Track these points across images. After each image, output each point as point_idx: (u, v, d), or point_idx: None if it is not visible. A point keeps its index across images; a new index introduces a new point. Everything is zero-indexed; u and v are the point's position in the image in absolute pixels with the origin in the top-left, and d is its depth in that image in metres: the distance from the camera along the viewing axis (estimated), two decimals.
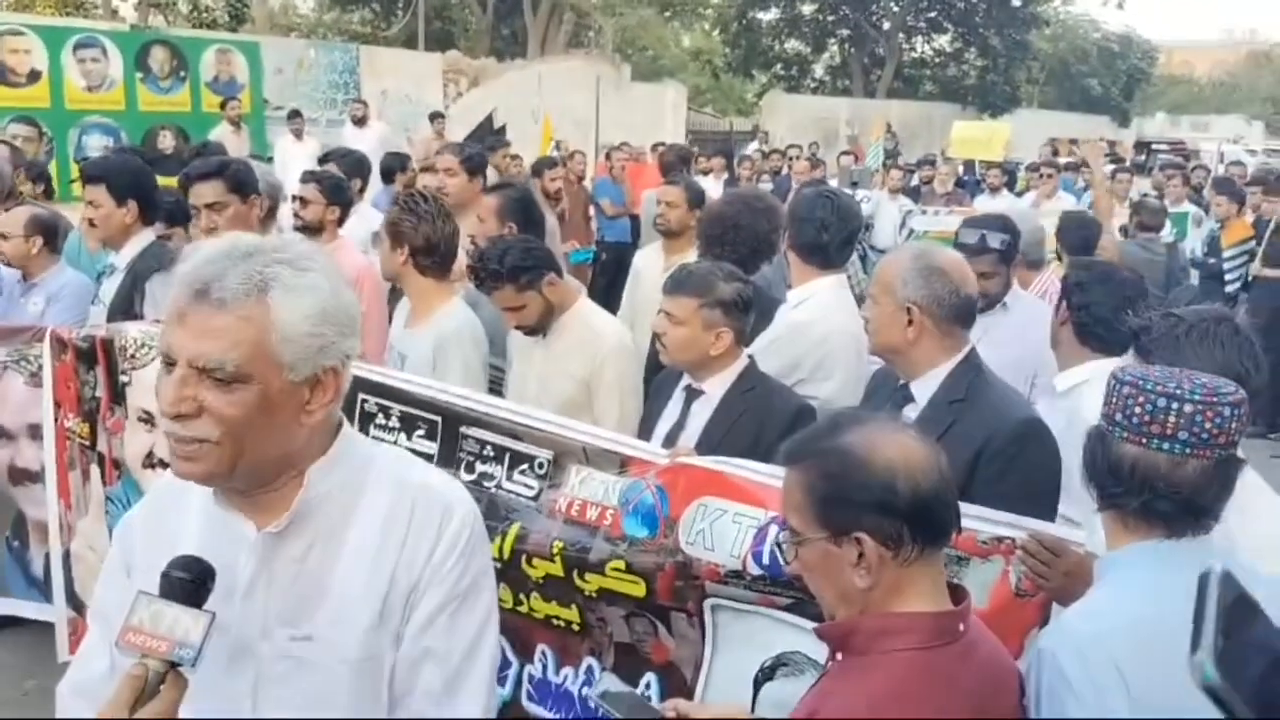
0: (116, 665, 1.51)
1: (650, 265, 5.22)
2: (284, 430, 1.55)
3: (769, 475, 2.43)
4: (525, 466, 2.79)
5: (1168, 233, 8.95)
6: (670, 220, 5.05)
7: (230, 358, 1.47)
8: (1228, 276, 8.70)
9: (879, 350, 2.83)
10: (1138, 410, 1.72)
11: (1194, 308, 2.26)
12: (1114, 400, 1.77)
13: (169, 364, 1.50)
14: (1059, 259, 5.97)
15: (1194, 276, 9.12)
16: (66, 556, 4.04)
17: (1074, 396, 3.03)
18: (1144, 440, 1.71)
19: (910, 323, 2.67)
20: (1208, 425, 1.68)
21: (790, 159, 14.34)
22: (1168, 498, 1.71)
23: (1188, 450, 1.69)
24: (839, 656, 1.72)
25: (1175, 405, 1.69)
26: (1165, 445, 1.70)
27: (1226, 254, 8.74)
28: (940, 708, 1.59)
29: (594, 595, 2.59)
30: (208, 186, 4.09)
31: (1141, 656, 1.64)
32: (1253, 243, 8.68)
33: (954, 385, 2.66)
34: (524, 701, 2.73)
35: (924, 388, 2.69)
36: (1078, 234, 5.77)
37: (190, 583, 1.48)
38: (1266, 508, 2.12)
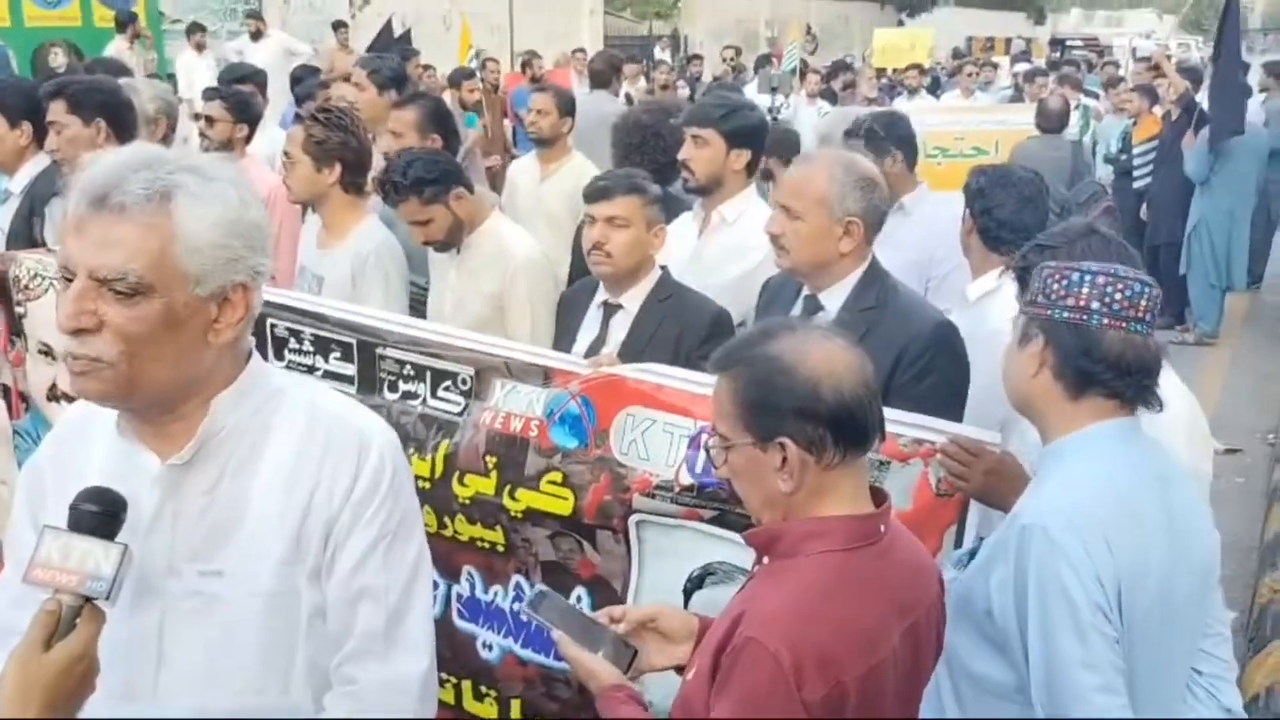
0: (31, 601, 1.47)
1: (526, 175, 5.18)
2: (189, 350, 1.50)
3: (693, 383, 2.44)
4: (449, 383, 2.77)
5: (1074, 126, 9.09)
6: (542, 128, 5.03)
7: (132, 267, 1.41)
8: (1136, 173, 8.85)
9: (800, 267, 2.71)
10: (1055, 287, 1.82)
11: (1058, 229, 2.34)
12: (1035, 284, 1.87)
13: (68, 278, 1.44)
14: None
15: (1109, 172, 9.29)
16: None
17: (981, 307, 3.09)
18: (1077, 314, 1.81)
19: (845, 237, 2.62)
20: (1117, 295, 1.79)
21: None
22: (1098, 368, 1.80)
23: (1103, 321, 1.78)
24: (765, 560, 1.75)
25: (1088, 277, 1.81)
26: (1082, 317, 1.80)
27: (1136, 150, 8.89)
28: (861, 601, 1.64)
29: (519, 516, 2.60)
30: (52, 105, 3.88)
31: (1120, 524, 1.73)
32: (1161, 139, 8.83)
33: (864, 293, 2.66)
34: (455, 620, 2.73)
35: (833, 297, 2.69)
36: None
37: (99, 514, 1.44)
38: (1183, 416, 2.22)
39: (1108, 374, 1.80)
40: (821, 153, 3.13)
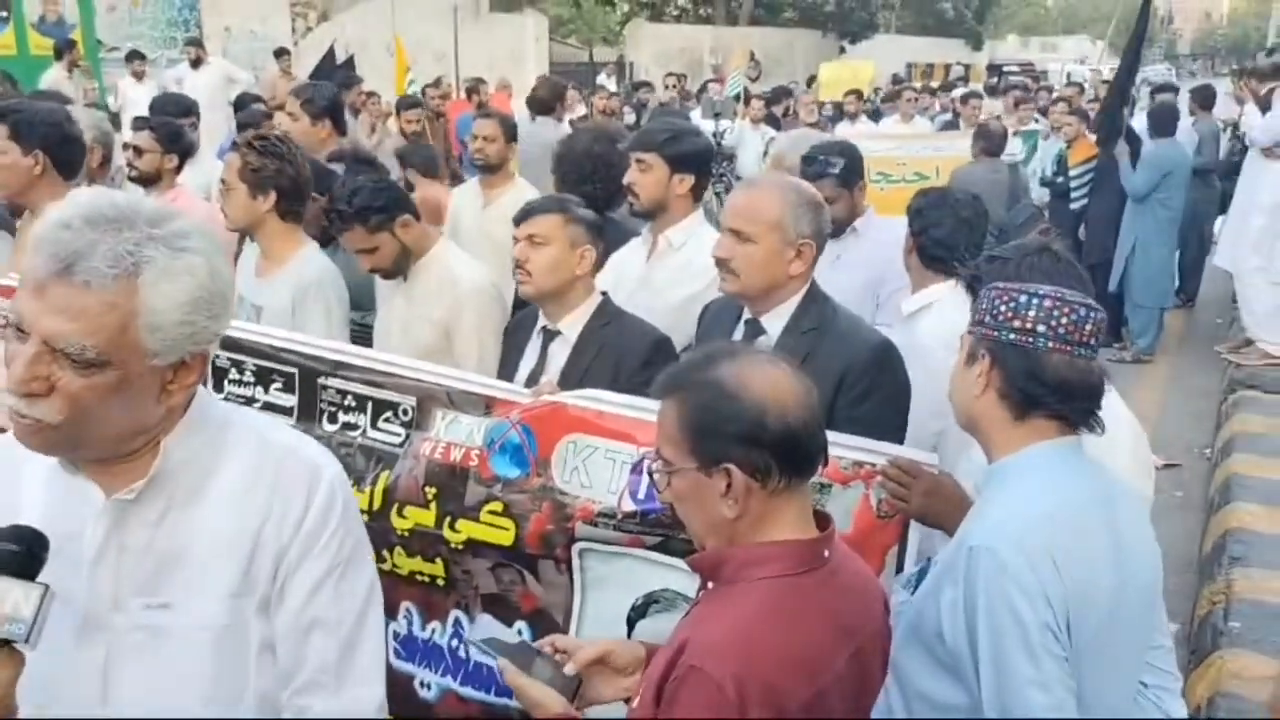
0: None
1: (469, 203, 5.17)
2: (139, 409, 1.48)
3: (634, 409, 2.43)
4: (389, 414, 2.74)
5: (1018, 150, 9.25)
6: (489, 154, 5.05)
7: (90, 342, 1.38)
8: (1074, 194, 9.03)
9: (750, 290, 2.69)
10: (1003, 308, 1.83)
11: (1014, 244, 2.37)
12: (983, 304, 1.87)
13: (21, 330, 1.40)
14: None
15: (1044, 195, 9.47)
16: None
17: (913, 322, 3.13)
18: (1023, 337, 1.82)
19: (797, 259, 2.64)
20: (1064, 320, 1.80)
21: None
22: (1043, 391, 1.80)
23: (1049, 344, 1.79)
24: (709, 586, 1.74)
25: (1035, 300, 1.81)
26: (1029, 340, 1.80)
27: (1073, 172, 9.05)
28: (805, 627, 1.63)
29: (460, 547, 2.56)
30: None
31: (1067, 544, 1.74)
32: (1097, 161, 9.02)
33: (804, 315, 2.67)
34: (391, 659, 2.67)
35: (775, 320, 2.69)
36: None
37: (18, 554, 1.40)
38: (1126, 437, 2.24)
39: (1051, 397, 1.81)
40: (767, 177, 3.16)
